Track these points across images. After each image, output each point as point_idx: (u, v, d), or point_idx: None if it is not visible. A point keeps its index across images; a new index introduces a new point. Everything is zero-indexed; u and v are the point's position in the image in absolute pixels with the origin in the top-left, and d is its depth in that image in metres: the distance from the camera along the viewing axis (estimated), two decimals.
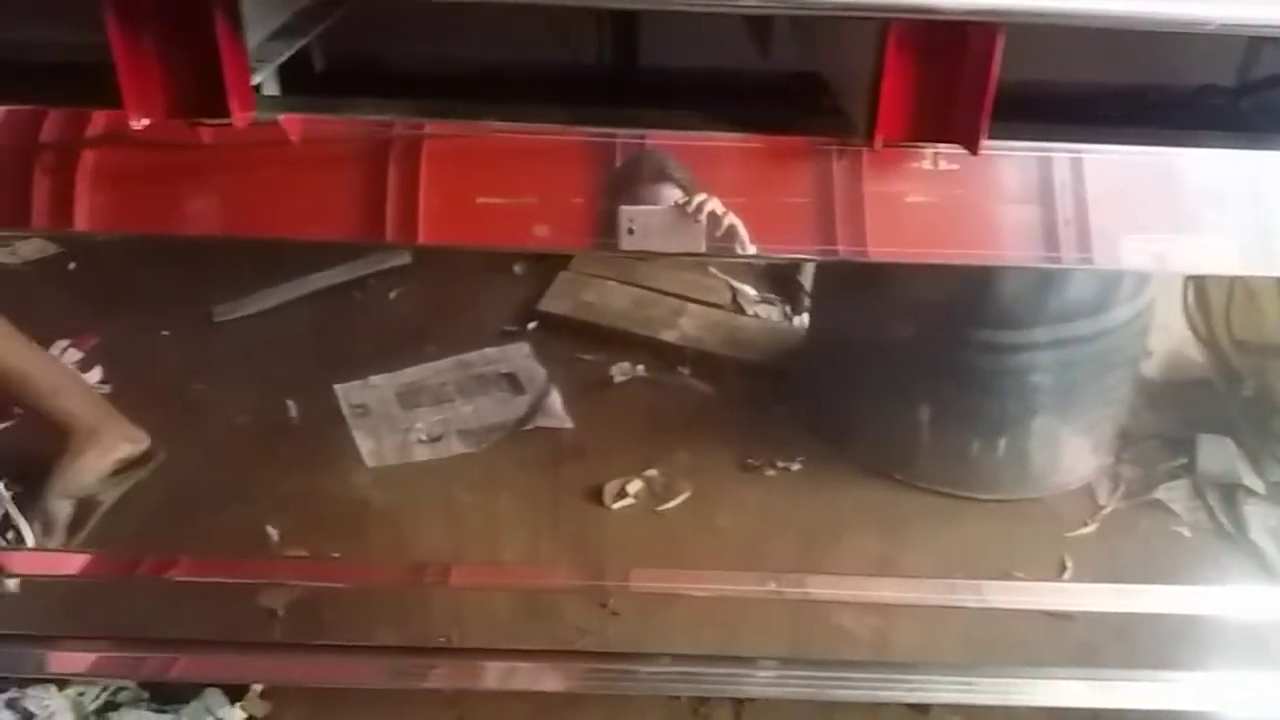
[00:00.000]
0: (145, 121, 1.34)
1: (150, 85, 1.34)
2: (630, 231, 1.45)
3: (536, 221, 1.46)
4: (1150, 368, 2.19)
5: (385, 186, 1.43)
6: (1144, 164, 1.52)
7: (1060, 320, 2.05)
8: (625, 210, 1.44)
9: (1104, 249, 1.51)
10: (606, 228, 1.46)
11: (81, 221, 1.42)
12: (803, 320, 2.21)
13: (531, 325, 2.20)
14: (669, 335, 2.26)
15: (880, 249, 1.50)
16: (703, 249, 1.46)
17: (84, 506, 1.96)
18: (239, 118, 1.36)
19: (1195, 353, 2.20)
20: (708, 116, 1.53)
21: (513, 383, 2.24)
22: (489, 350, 2.24)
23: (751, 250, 1.47)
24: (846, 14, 1.34)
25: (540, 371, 2.21)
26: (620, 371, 2.22)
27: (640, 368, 2.21)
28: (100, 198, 1.42)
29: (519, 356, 2.25)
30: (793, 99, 1.63)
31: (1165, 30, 1.33)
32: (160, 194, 1.42)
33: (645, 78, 1.95)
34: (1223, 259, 1.55)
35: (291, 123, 1.42)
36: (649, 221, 1.45)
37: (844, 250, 1.50)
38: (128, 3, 1.28)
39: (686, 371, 2.21)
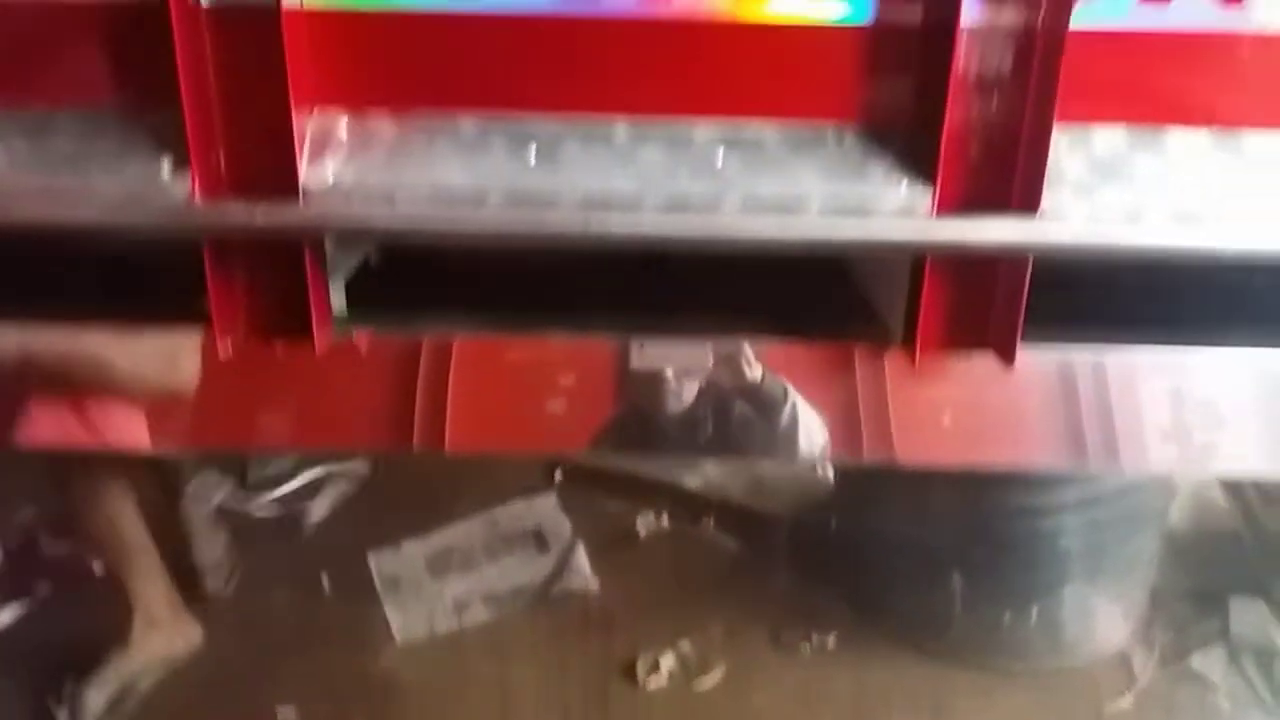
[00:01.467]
0: (230, 342, 1.37)
1: (235, 307, 1.39)
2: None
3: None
4: (1178, 523, 2.18)
5: (445, 396, 1.46)
6: (1175, 366, 1.53)
7: (1087, 480, 2.05)
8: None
9: (1131, 453, 1.52)
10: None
11: (152, 439, 1.44)
12: (828, 469, 2.21)
13: (558, 474, 2.21)
14: (693, 482, 2.26)
15: (910, 455, 1.51)
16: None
17: (120, 694, 1.95)
18: (320, 340, 1.39)
19: (1222, 506, 2.19)
20: (742, 317, 1.55)
21: (539, 540, 2.24)
22: (516, 504, 2.24)
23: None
24: (883, 253, 1.37)
25: (566, 526, 2.21)
26: (645, 525, 2.22)
27: (665, 518, 2.21)
28: (167, 415, 1.45)
29: (546, 509, 2.25)
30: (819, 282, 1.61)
31: (1189, 264, 1.37)
32: (228, 409, 1.45)
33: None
34: (1254, 461, 1.56)
35: (362, 339, 1.45)
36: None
37: (869, 454, 1.51)
38: (222, 240, 1.32)
39: (711, 524, 2.21)
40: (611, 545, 2.16)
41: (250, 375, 1.42)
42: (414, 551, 2.17)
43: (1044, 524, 2.09)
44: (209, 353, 1.41)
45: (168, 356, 1.39)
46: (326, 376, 1.46)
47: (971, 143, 1.35)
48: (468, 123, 1.36)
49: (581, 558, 2.15)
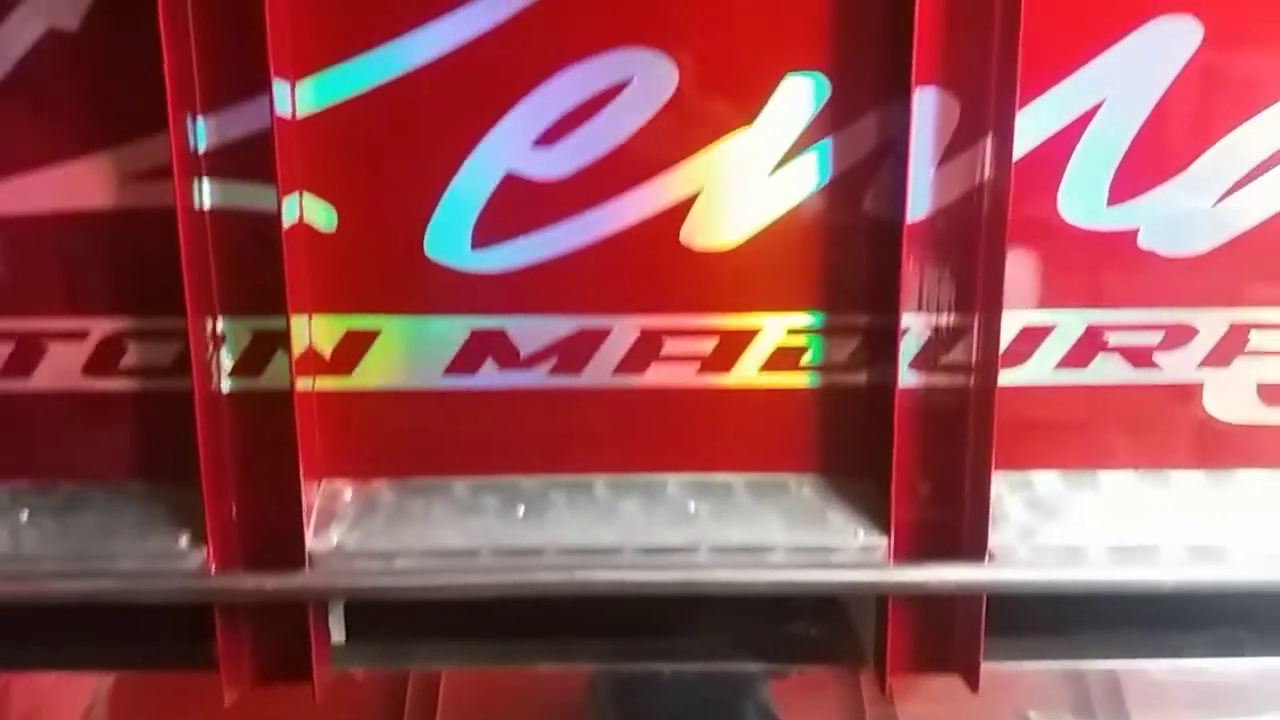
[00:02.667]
0: (235, 694, 1.46)
1: (241, 658, 1.48)
2: None
3: None
4: None
5: None
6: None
7: None
8: None
9: None
10: None
11: None
12: None
13: None
14: None
15: None
16: None
17: None
18: (319, 685, 1.48)
19: None
20: (724, 641, 1.63)
21: None
22: None
23: None
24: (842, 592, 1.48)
25: None
26: None
27: None
28: None
29: None
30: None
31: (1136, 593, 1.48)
32: None
33: None
34: None
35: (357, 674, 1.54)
36: None
37: None
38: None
39: None
40: None
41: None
42: None
43: None
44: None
45: None
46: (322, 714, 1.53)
47: (920, 492, 1.48)
48: (461, 485, 1.50)
49: None
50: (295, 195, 1.36)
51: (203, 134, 1.32)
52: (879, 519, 1.49)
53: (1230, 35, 1.38)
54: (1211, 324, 1.49)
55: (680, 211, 1.41)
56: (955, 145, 1.37)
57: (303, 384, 1.42)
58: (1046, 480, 1.54)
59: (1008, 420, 1.46)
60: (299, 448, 1.41)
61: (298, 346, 1.40)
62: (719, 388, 1.49)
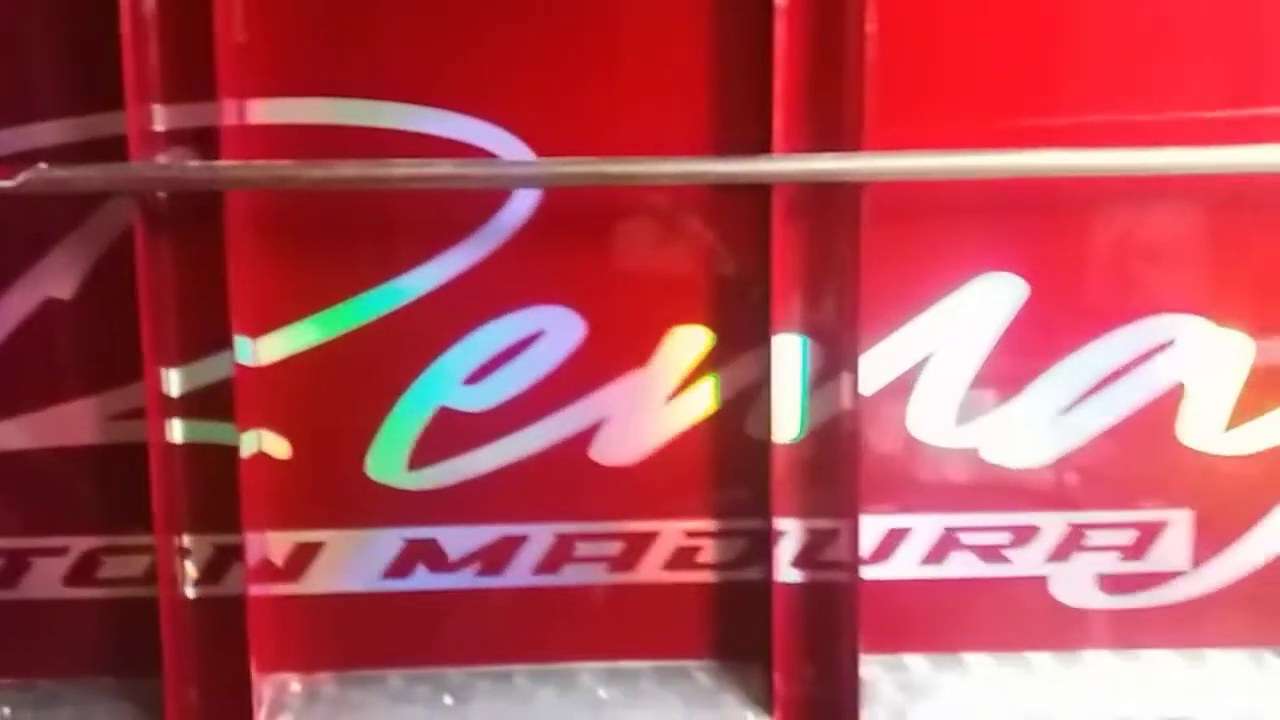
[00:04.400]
0: None
1: None
2: None
3: None
4: None
5: None
6: None
7: None
8: None
9: None
10: None
11: None
12: None
13: None
14: None
15: None
16: None
17: None
18: None
19: None
20: None
21: None
22: None
23: None
24: None
25: None
26: None
27: None
28: None
29: None
30: None
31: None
32: None
33: None
34: None
35: None
36: None
37: None
38: None
39: None
40: None
41: None
42: None
43: None
44: None
45: None
46: None
47: (803, 675, 1.69)
48: (395, 677, 1.69)
49: None
50: (254, 431, 1.59)
51: (174, 382, 1.55)
52: (766, 701, 1.68)
53: (1051, 286, 1.64)
54: (1053, 524, 1.71)
55: (590, 434, 1.65)
56: (818, 380, 1.62)
57: (256, 590, 1.61)
58: (916, 663, 1.75)
59: (880, 610, 1.68)
60: (251, 647, 1.60)
61: (253, 558, 1.60)
62: (626, 584, 1.70)
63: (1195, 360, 1.66)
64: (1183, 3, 1.58)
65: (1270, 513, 1.71)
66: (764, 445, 1.64)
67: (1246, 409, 1.68)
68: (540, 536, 1.67)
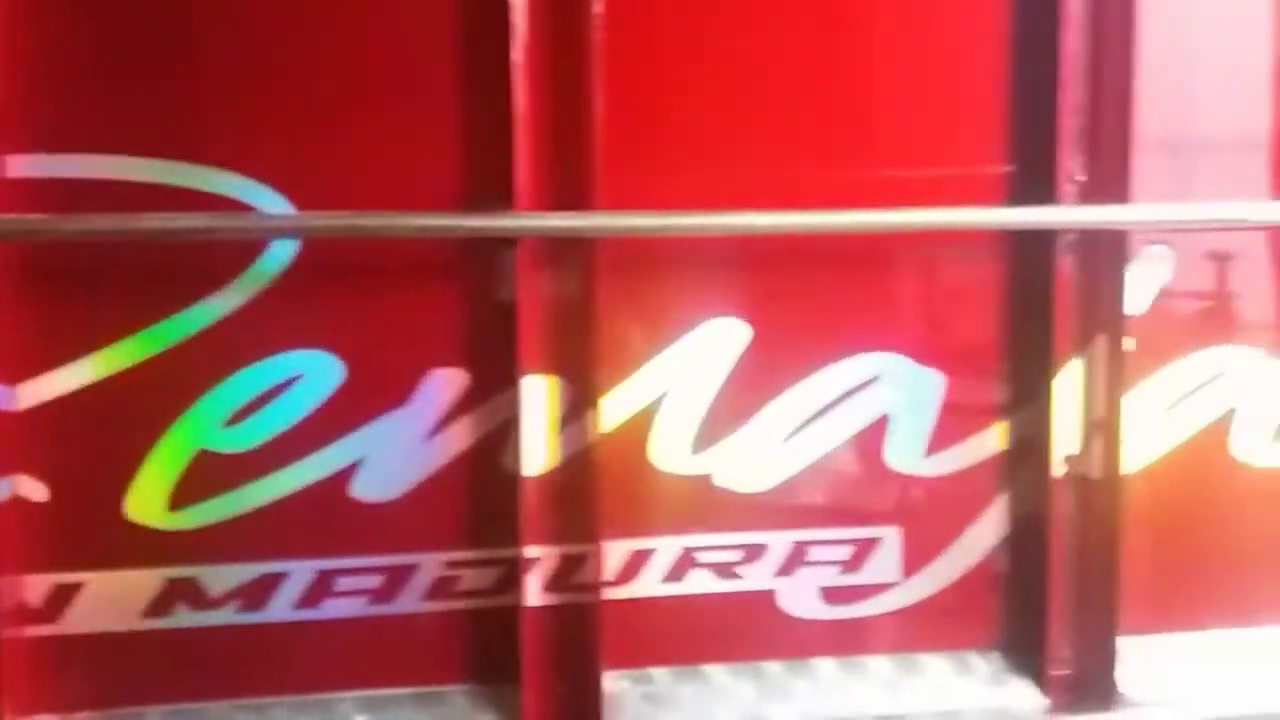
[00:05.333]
0: None
1: None
2: None
3: None
4: None
5: None
6: None
7: None
8: None
9: None
10: None
11: None
12: None
13: None
14: None
15: None
16: None
17: None
18: None
19: None
20: None
21: None
22: None
23: None
24: None
25: None
26: None
27: None
28: None
29: None
30: None
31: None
32: None
33: None
34: None
35: None
36: None
37: None
38: None
39: None
40: None
41: None
42: None
43: None
44: None
45: None
46: None
47: (556, 692, 1.80)
48: (154, 714, 1.72)
49: None
50: (9, 477, 1.61)
51: None
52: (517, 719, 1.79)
53: (770, 328, 1.83)
54: (779, 542, 1.90)
55: (349, 472, 1.73)
56: (565, 417, 1.76)
57: (10, 633, 1.63)
58: (660, 675, 1.89)
59: (627, 627, 1.81)
60: (3, 689, 1.61)
61: (7, 601, 1.62)
62: (386, 615, 1.78)
63: (897, 393, 1.87)
64: (879, 70, 1.82)
65: (969, 528, 1.93)
66: (515, 478, 1.75)
67: (943, 436, 1.90)
68: (300, 573, 1.74)
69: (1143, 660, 1.96)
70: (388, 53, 1.68)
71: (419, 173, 1.69)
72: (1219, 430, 1.96)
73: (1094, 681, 1.93)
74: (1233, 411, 1.97)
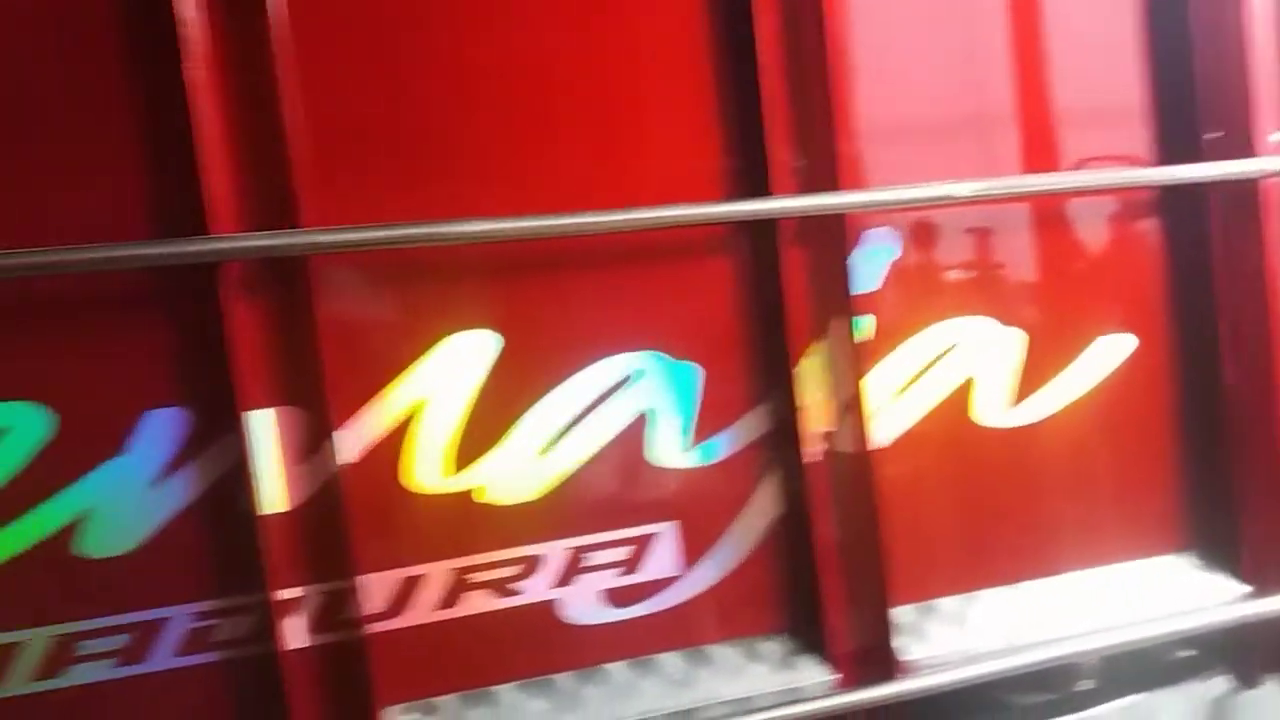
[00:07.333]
0: None
1: None
2: None
3: None
4: None
5: None
6: None
7: None
8: None
9: None
10: None
11: None
12: None
13: None
14: None
15: None
16: None
17: None
18: None
19: None
20: None
21: None
22: None
23: None
24: None
25: None
26: None
27: None
28: None
29: None
30: None
31: None
32: None
33: None
34: None
35: None
36: None
37: None
38: None
39: None
40: None
41: None
42: None
43: None
44: None
45: None
46: None
47: None
48: None
49: None
50: None
51: None
52: None
53: (522, 337, 1.79)
54: (554, 552, 1.86)
55: (73, 529, 1.62)
56: (303, 449, 1.69)
57: None
58: (446, 704, 1.83)
59: (403, 658, 1.75)
60: None
61: None
62: (140, 675, 1.68)
63: (654, 390, 1.86)
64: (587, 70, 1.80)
65: (741, 514, 1.93)
66: (255, 518, 1.67)
67: (705, 427, 1.89)
68: (35, 641, 1.63)
69: (919, 627, 2.00)
70: (60, 83, 1.58)
71: (107, 204, 1.59)
72: (960, 398, 2.01)
73: (875, 653, 1.95)
74: (972, 379, 2.02)
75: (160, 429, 1.64)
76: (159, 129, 1.59)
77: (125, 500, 1.64)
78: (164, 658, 1.69)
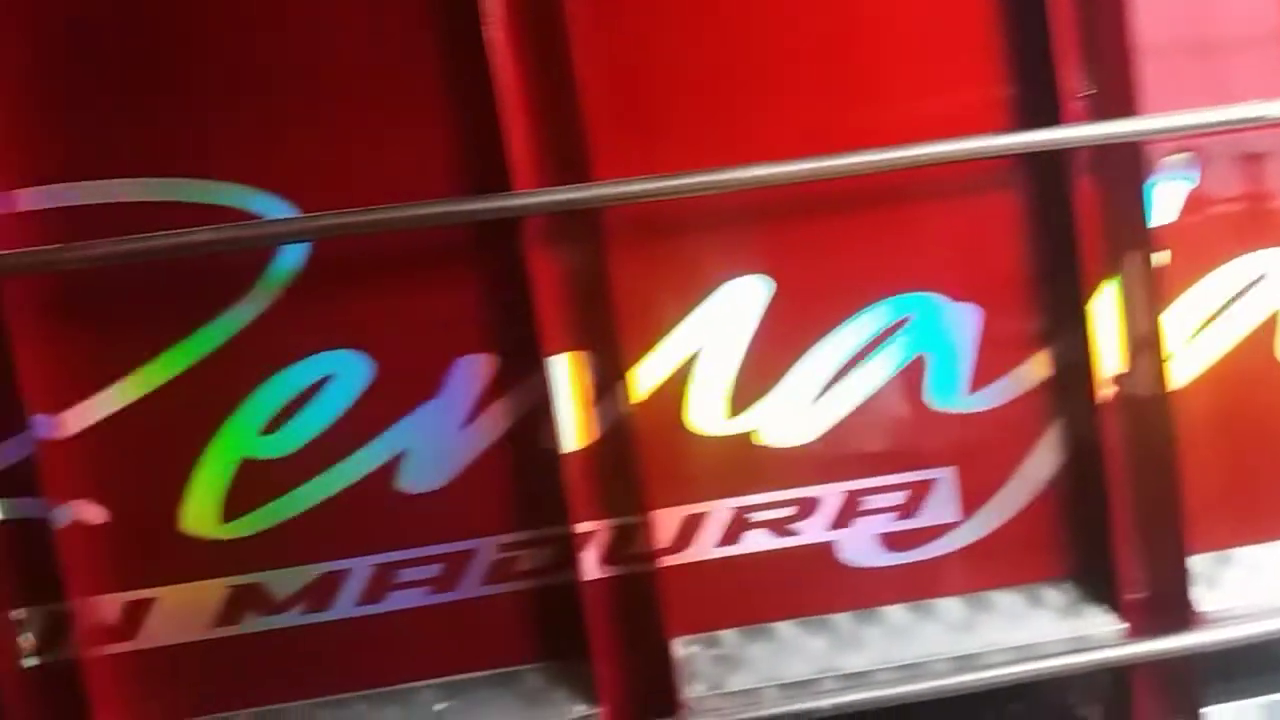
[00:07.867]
0: None
1: None
2: None
3: None
4: None
5: None
6: None
7: None
8: None
9: None
10: None
11: None
12: None
13: None
14: None
15: None
16: None
17: None
18: None
19: None
20: None
21: None
22: None
23: None
24: None
25: None
26: None
27: None
28: None
29: None
30: None
31: None
32: None
33: None
34: None
35: None
36: None
37: None
38: None
39: None
40: None
41: None
42: None
43: None
44: None
45: None
46: None
47: (629, 663, 1.82)
48: (244, 715, 1.78)
49: None
50: (67, 503, 1.68)
51: None
52: (592, 692, 1.81)
53: (795, 281, 1.82)
54: (831, 494, 1.88)
55: (393, 466, 1.77)
56: (596, 391, 1.77)
57: (91, 652, 1.70)
58: (728, 638, 1.90)
59: (689, 592, 1.82)
60: (96, 707, 1.69)
61: (87, 622, 1.69)
62: (450, 602, 1.81)
63: (933, 332, 1.85)
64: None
65: (1024, 460, 1.89)
66: (556, 457, 1.77)
67: (985, 372, 1.86)
68: (360, 569, 1.78)
69: (1217, 576, 1.91)
70: (367, 50, 1.71)
71: (415, 163, 1.71)
72: (1265, 335, 1.90)
73: (1170, 602, 1.89)
74: (1278, 315, 1.90)
75: (469, 373, 1.75)
76: (463, 91, 1.69)
77: (438, 439, 1.76)
78: (473, 586, 1.81)
